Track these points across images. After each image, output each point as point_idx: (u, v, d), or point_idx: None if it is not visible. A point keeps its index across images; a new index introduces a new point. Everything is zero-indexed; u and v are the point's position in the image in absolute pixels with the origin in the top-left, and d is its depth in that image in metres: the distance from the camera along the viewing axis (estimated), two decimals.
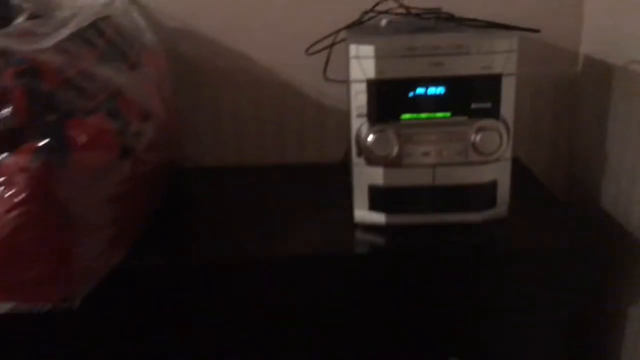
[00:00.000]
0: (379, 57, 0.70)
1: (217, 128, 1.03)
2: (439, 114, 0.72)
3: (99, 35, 0.78)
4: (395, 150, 0.73)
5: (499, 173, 0.75)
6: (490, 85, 0.71)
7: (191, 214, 0.86)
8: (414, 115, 0.72)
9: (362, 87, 0.72)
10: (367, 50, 0.70)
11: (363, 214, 0.77)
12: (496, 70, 0.70)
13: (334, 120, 1.01)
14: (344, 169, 0.76)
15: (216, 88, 1.01)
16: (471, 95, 0.71)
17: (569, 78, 0.98)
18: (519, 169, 0.78)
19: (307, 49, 0.89)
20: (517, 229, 0.76)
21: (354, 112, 0.74)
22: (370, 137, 0.73)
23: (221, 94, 1.01)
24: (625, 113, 0.83)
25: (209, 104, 1.02)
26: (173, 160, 0.90)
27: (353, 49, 0.71)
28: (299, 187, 0.94)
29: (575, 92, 0.99)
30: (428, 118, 0.72)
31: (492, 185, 0.75)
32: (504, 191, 0.76)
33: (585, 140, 0.97)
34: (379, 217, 0.76)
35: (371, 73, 0.71)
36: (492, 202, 0.76)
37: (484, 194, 0.75)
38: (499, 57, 0.70)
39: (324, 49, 0.89)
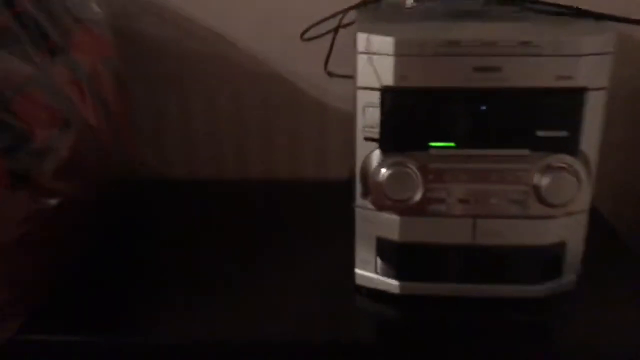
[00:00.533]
0: (400, 54, 0.46)
1: (187, 130, 0.80)
2: (488, 144, 0.48)
3: (5, 6, 0.55)
4: (419, 193, 0.49)
5: (571, 231, 0.51)
6: (568, 104, 0.47)
7: (132, 259, 0.63)
8: (450, 144, 0.49)
9: (374, 97, 0.48)
10: (384, 43, 0.46)
11: (368, 276, 0.54)
12: (580, 82, 0.46)
13: (338, 126, 0.77)
14: (348, 191, 0.53)
15: (186, 79, 0.78)
16: (539, 118, 0.47)
17: None
18: None
19: (303, 33, 0.65)
20: (590, 309, 0.53)
21: (360, 134, 0.50)
22: (383, 172, 0.49)
23: (192, 86, 0.78)
24: None
25: (176, 98, 0.79)
26: (117, 179, 0.67)
27: (362, 40, 0.47)
28: (287, 214, 0.71)
29: None
30: (470, 148, 0.49)
31: (559, 248, 0.51)
32: (574, 256, 0.52)
33: None
34: (389, 284, 0.53)
35: (388, 78, 0.47)
36: (556, 272, 0.52)
37: (546, 259, 0.51)
38: (585, 63, 0.46)
39: (325, 33, 0.65)
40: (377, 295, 0.54)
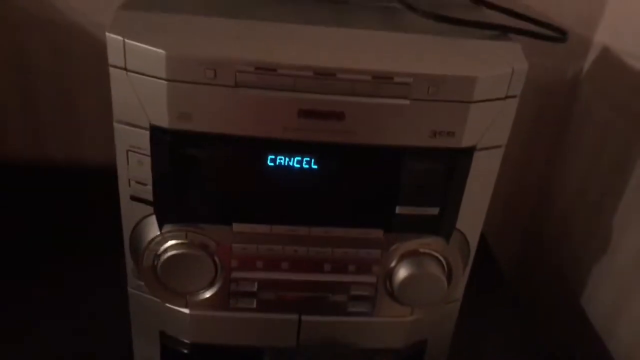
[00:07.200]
0: (178, 79, 0.27)
1: None
2: (322, 220, 0.31)
3: None
4: (217, 285, 0.32)
5: (435, 327, 0.37)
6: (445, 170, 0.30)
7: None
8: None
9: (141, 140, 0.29)
10: (151, 58, 0.27)
11: None
12: (465, 140, 0.29)
13: None
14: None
15: None
16: (400, 189, 0.31)
17: (562, 83, 0.57)
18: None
19: None
20: None
21: (125, 189, 0.31)
22: (162, 251, 0.31)
23: None
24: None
25: None
26: None
27: (115, 47, 0.27)
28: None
29: (568, 108, 0.58)
30: (295, 225, 0.31)
31: (417, 348, 0.37)
32: (438, 353, 0.38)
33: (564, 199, 0.58)
34: None
35: (161, 115, 0.28)
36: None
37: None
38: (476, 113, 0.29)
39: None
40: None
